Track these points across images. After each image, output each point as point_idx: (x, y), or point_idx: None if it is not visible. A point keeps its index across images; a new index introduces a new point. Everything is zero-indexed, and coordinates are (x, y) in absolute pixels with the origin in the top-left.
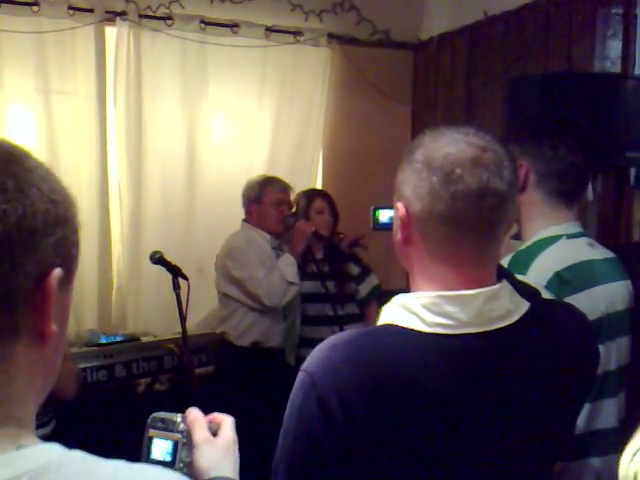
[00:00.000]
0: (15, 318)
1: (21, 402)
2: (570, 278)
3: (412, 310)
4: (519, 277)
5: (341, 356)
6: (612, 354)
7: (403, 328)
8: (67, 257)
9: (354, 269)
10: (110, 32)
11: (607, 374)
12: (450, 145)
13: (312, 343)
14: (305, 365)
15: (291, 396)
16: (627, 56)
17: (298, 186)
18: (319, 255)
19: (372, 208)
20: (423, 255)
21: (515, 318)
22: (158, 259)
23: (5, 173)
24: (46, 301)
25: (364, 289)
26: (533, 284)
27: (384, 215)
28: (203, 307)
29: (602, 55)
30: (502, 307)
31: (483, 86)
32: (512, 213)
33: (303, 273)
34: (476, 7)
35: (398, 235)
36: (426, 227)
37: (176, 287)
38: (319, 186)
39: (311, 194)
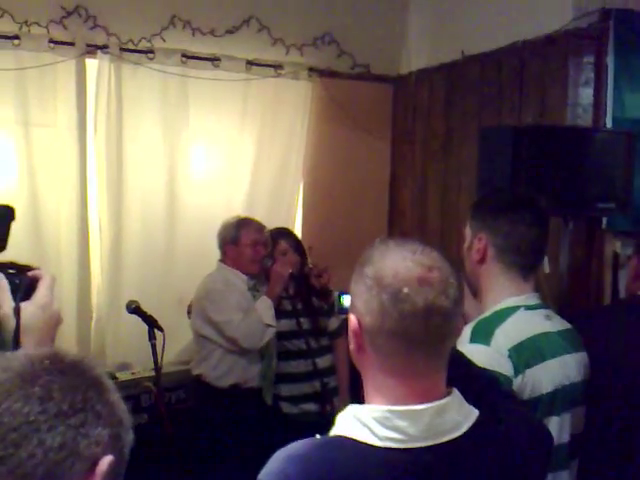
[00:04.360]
0: None
1: None
2: (525, 353)
3: (364, 423)
4: (481, 348)
5: (295, 470)
6: (565, 425)
7: (356, 441)
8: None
9: (324, 304)
10: (91, 65)
11: (559, 446)
12: (398, 263)
13: (288, 378)
14: (262, 475)
15: None
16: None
17: (278, 219)
18: (290, 291)
19: (337, 293)
20: (374, 366)
21: (464, 429)
22: (134, 309)
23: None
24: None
25: (333, 323)
26: (490, 369)
27: (348, 300)
28: (183, 337)
29: (574, 102)
30: (451, 420)
31: (460, 123)
32: (459, 326)
33: (278, 311)
34: (454, 46)
35: (352, 344)
36: (376, 340)
37: (152, 338)
38: (299, 219)
39: (276, 235)
